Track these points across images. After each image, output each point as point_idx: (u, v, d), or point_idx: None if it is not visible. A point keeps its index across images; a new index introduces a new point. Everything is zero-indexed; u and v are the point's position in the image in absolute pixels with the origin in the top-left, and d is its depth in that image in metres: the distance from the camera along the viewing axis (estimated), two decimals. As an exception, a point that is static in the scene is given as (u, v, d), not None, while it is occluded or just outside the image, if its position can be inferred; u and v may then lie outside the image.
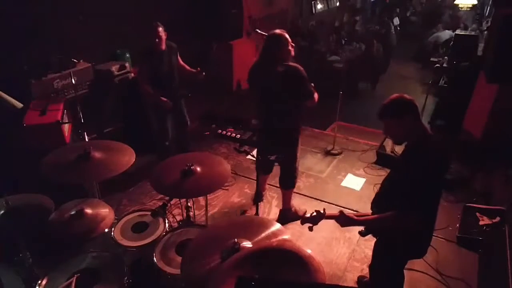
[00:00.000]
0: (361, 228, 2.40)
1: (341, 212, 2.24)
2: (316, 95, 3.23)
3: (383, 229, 2.32)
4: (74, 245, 2.54)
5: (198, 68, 4.09)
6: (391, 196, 2.26)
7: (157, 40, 3.78)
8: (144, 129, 4.71)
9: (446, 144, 2.20)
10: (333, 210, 4.00)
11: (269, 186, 4.33)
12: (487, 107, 4.58)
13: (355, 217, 2.23)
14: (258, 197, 3.71)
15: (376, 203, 2.40)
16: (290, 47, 3.12)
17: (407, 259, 2.52)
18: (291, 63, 3.12)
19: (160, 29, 3.79)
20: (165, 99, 3.90)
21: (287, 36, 3.13)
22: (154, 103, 4.04)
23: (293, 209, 3.86)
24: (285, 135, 3.37)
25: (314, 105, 3.26)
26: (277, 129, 3.33)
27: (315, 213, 2.29)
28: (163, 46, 3.87)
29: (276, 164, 3.77)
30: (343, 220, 2.24)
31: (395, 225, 2.12)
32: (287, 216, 3.78)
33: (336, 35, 8.00)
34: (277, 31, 3.15)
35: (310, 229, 2.30)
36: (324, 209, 2.31)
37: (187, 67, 4.22)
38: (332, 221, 3.88)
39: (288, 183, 3.71)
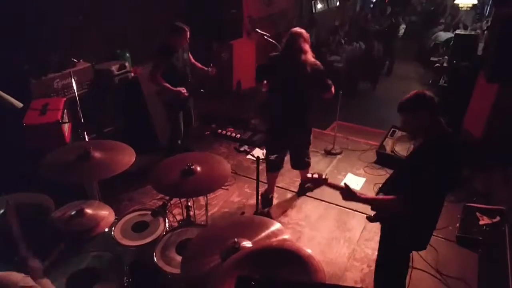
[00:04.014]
0: (363, 215, 2.40)
1: (346, 185, 2.27)
2: (333, 89, 3.51)
3: (383, 212, 2.35)
4: (74, 244, 2.53)
5: (211, 64, 4.21)
6: (398, 184, 2.29)
7: (186, 43, 3.97)
8: (144, 129, 4.72)
9: (460, 144, 2.24)
10: (333, 210, 4.04)
11: (267, 185, 4.35)
12: (487, 107, 4.58)
13: (358, 194, 2.24)
14: (267, 201, 4.00)
15: (383, 189, 2.43)
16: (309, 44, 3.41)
17: (410, 251, 2.54)
18: (311, 58, 3.38)
19: (188, 32, 3.94)
20: (179, 88, 3.97)
21: (306, 33, 3.43)
22: (167, 101, 4.10)
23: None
24: (300, 125, 3.60)
25: (330, 97, 3.54)
26: (294, 118, 3.53)
27: (316, 176, 2.35)
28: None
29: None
30: (347, 193, 2.25)
31: (393, 209, 2.20)
32: (306, 188, 4.15)
33: (337, 35, 8.00)
34: (298, 28, 3.43)
35: (310, 189, 2.32)
36: (326, 175, 2.37)
37: (198, 64, 4.30)
38: (333, 222, 3.91)
39: (301, 165, 3.96)
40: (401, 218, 2.23)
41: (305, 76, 3.32)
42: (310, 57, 3.37)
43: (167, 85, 3.91)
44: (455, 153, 2.15)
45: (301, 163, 3.96)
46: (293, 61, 3.32)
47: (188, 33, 3.92)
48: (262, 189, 4.09)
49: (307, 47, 3.37)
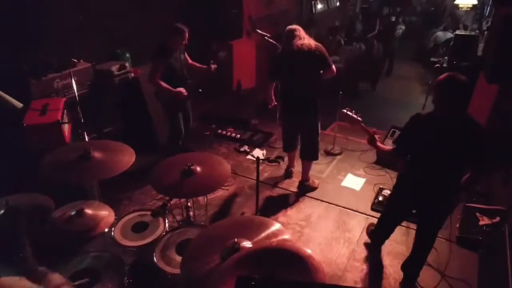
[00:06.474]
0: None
1: (375, 132, 2.83)
2: (334, 67, 3.77)
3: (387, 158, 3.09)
4: (74, 245, 2.54)
5: (211, 61, 4.26)
6: None
7: (184, 43, 3.98)
8: (144, 129, 4.72)
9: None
10: (333, 210, 4.05)
11: (267, 185, 4.35)
12: (487, 107, 4.57)
13: (378, 143, 2.82)
14: (288, 174, 4.52)
15: None
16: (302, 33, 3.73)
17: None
18: (311, 41, 3.67)
19: (187, 33, 3.94)
20: (179, 89, 4.00)
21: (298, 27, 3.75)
22: (166, 102, 4.11)
23: (310, 180, 4.27)
24: (307, 104, 3.83)
25: (331, 77, 3.80)
26: (301, 98, 3.81)
27: (352, 115, 2.96)
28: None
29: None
30: (371, 140, 2.82)
31: (390, 156, 2.78)
32: (305, 186, 4.25)
33: (337, 35, 7.99)
34: (292, 25, 3.77)
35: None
36: (360, 116, 2.95)
37: (197, 64, 4.31)
38: (333, 222, 3.93)
39: (310, 155, 4.17)
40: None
41: (309, 55, 3.57)
42: (311, 40, 3.67)
43: (167, 86, 3.90)
44: (427, 122, 2.49)
45: (306, 153, 4.14)
46: (295, 47, 3.59)
47: (187, 33, 3.92)
48: (262, 188, 4.11)
49: (305, 35, 3.69)
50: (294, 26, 3.73)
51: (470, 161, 2.48)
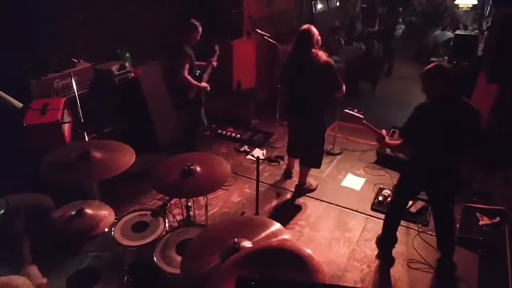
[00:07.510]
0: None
1: (385, 135, 3.06)
2: (344, 87, 3.71)
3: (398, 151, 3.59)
4: (74, 244, 2.53)
5: (212, 58, 4.40)
6: None
7: (198, 37, 4.12)
8: (144, 129, 4.72)
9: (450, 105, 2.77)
10: (333, 210, 4.05)
11: (267, 185, 4.35)
12: (487, 107, 4.58)
13: (388, 141, 3.06)
14: (288, 174, 4.53)
15: None
16: (318, 39, 3.62)
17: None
18: (323, 56, 3.56)
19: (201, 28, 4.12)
20: (203, 83, 4.21)
21: (314, 29, 3.59)
22: (192, 99, 4.27)
23: (307, 184, 4.24)
24: (312, 111, 3.78)
25: (341, 96, 3.78)
26: (306, 105, 3.75)
27: (356, 113, 3.19)
28: None
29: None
30: (381, 142, 3.06)
31: (401, 149, 3.17)
32: (302, 190, 4.22)
33: (337, 35, 7.99)
34: (305, 27, 3.60)
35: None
36: (362, 111, 3.20)
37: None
38: (333, 222, 3.92)
39: (310, 163, 4.14)
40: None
41: (322, 72, 3.51)
42: (320, 55, 3.54)
43: (195, 82, 4.09)
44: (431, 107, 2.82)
45: (307, 160, 4.12)
46: (305, 61, 3.52)
47: (201, 28, 4.11)
48: (262, 188, 4.12)
49: (316, 45, 3.57)
50: (306, 31, 3.54)
51: (466, 142, 2.79)
